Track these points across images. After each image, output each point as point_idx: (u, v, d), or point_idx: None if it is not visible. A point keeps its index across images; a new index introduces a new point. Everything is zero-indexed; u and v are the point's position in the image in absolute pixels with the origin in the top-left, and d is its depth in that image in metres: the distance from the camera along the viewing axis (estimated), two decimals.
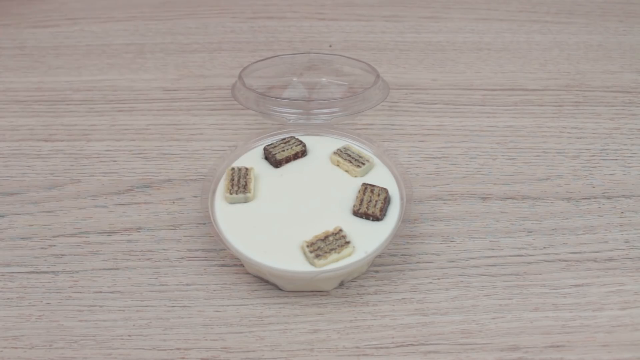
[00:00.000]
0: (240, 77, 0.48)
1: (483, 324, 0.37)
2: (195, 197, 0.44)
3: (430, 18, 0.62)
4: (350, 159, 0.43)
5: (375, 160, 0.43)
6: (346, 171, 0.42)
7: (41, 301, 0.38)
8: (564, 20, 0.62)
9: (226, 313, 0.38)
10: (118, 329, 0.37)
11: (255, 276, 0.39)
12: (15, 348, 0.36)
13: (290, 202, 0.40)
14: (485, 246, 0.42)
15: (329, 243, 0.37)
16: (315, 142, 0.44)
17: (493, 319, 0.37)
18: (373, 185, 0.41)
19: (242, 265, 0.40)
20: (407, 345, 0.36)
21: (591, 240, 0.42)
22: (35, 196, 0.45)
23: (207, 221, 0.39)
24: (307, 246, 0.37)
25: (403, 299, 0.39)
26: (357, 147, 0.44)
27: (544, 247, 0.41)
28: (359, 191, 0.40)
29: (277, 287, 0.39)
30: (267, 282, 0.39)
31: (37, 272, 0.40)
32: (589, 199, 0.45)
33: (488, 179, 0.46)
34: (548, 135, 0.50)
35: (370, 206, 0.39)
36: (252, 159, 0.43)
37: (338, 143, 0.44)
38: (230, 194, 0.40)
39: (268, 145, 0.44)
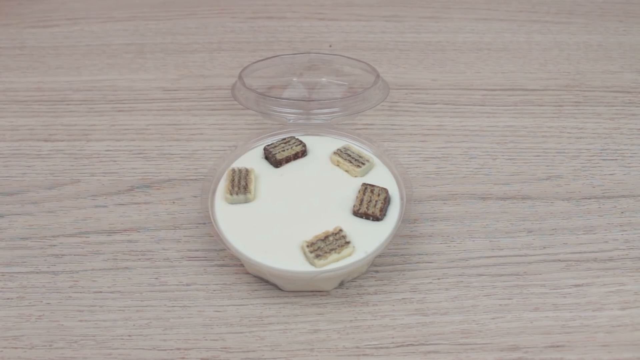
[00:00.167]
0: (240, 77, 0.48)
1: (483, 324, 0.37)
2: (195, 197, 0.44)
3: (430, 18, 0.62)
4: (350, 159, 0.43)
5: (375, 160, 0.43)
6: (346, 171, 0.42)
7: (41, 301, 0.38)
8: (563, 20, 0.62)
9: (226, 313, 0.38)
10: (118, 329, 0.37)
11: (255, 276, 0.39)
12: (15, 348, 0.36)
13: (290, 202, 0.40)
14: (485, 246, 0.42)
15: (329, 243, 0.37)
16: (315, 142, 0.44)
17: (493, 319, 0.37)
18: (373, 185, 0.41)
19: (242, 265, 0.40)
20: (407, 345, 0.36)
21: (591, 240, 0.42)
22: (35, 196, 0.45)
23: (207, 221, 0.39)
24: (307, 246, 0.37)
25: (403, 299, 0.39)
26: (357, 147, 0.44)
27: (544, 247, 0.41)
28: (359, 191, 0.40)
29: (277, 287, 0.39)
30: (267, 282, 0.39)
31: (37, 272, 0.40)
32: (589, 199, 0.45)
33: (488, 179, 0.46)
34: (548, 135, 0.50)
35: (370, 206, 0.39)
36: (252, 159, 0.43)
37: (338, 143, 0.44)
38: (231, 194, 0.40)
39: (268, 145, 0.44)
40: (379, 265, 0.40)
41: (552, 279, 0.40)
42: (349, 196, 0.41)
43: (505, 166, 0.47)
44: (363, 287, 0.39)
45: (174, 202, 0.44)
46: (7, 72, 0.56)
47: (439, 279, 0.40)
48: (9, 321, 0.37)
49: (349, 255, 0.37)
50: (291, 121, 0.46)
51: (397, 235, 0.39)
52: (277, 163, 0.43)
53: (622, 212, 0.44)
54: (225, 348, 0.36)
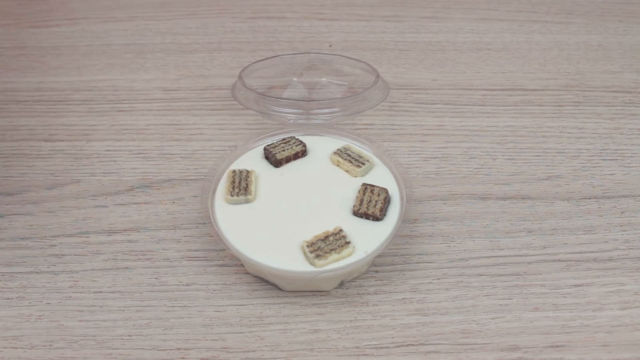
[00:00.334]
0: (240, 77, 0.48)
1: (483, 324, 0.37)
2: (195, 197, 0.44)
3: (430, 18, 0.62)
4: (350, 159, 0.43)
5: (375, 160, 0.43)
6: (346, 171, 0.42)
7: (41, 301, 0.38)
8: (563, 20, 0.62)
9: (226, 313, 0.38)
10: (118, 329, 0.37)
11: (255, 276, 0.39)
12: (15, 348, 0.36)
13: (290, 202, 0.40)
14: (485, 246, 0.42)
15: (329, 243, 0.37)
16: (315, 142, 0.44)
17: (493, 319, 0.37)
18: (373, 185, 0.41)
19: (242, 265, 0.40)
20: (407, 345, 0.36)
21: (591, 240, 0.42)
22: (35, 196, 0.45)
23: (207, 221, 0.39)
24: (307, 246, 0.37)
25: (403, 299, 0.39)
26: (357, 147, 0.44)
27: (544, 247, 0.41)
28: (359, 191, 0.40)
29: (277, 287, 0.39)
30: (267, 282, 0.39)
31: (37, 272, 0.40)
32: (589, 199, 0.45)
33: (488, 179, 0.46)
34: (548, 135, 0.50)
35: (370, 206, 0.39)
36: (252, 159, 0.43)
37: (338, 143, 0.44)
38: (232, 196, 0.40)
39: (268, 145, 0.44)
40: (379, 265, 0.40)
41: (552, 279, 0.40)
42: (349, 196, 0.41)
43: (505, 166, 0.47)
44: (363, 287, 0.39)
45: (174, 202, 0.44)
46: (7, 72, 0.56)
47: (439, 279, 0.40)
48: (9, 321, 0.37)
49: (349, 255, 0.37)
50: (291, 121, 0.46)
51: (397, 235, 0.39)
52: (277, 163, 0.43)
53: (622, 212, 0.44)
54: (225, 348, 0.36)
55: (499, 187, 0.45)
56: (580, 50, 0.58)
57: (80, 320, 0.37)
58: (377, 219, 0.39)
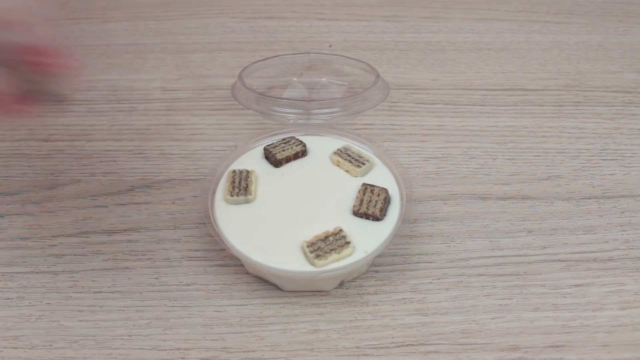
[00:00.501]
0: (240, 77, 0.48)
1: (483, 324, 0.37)
2: (195, 197, 0.44)
3: (430, 18, 0.62)
4: (350, 159, 0.43)
5: (375, 160, 0.43)
6: (346, 171, 0.42)
7: (41, 301, 0.38)
8: (563, 20, 0.62)
9: (226, 313, 0.38)
10: (118, 329, 0.37)
11: (255, 276, 0.39)
12: (15, 348, 0.36)
13: (290, 202, 0.40)
14: (485, 246, 0.42)
15: (329, 243, 0.37)
16: (315, 142, 0.44)
17: (493, 319, 0.37)
18: (373, 185, 0.41)
19: (242, 265, 0.40)
20: (407, 345, 0.36)
21: (591, 240, 0.42)
22: (35, 196, 0.45)
23: (207, 221, 0.39)
24: (307, 246, 0.37)
25: (403, 299, 0.39)
26: (357, 147, 0.44)
27: (544, 247, 0.41)
28: (359, 191, 0.40)
29: (277, 287, 0.39)
30: (267, 282, 0.39)
31: (37, 272, 0.40)
32: (589, 199, 0.45)
33: (488, 179, 0.46)
34: (548, 135, 0.50)
35: (370, 206, 0.39)
36: (252, 159, 0.43)
37: (338, 143, 0.44)
38: (232, 196, 0.40)
39: (268, 145, 0.44)
40: (379, 265, 0.40)
41: (552, 279, 0.40)
42: (349, 196, 0.41)
43: (505, 166, 0.47)
44: (363, 287, 0.39)
45: (174, 202, 0.44)
46: None
47: (439, 279, 0.40)
48: (9, 321, 0.37)
49: (349, 255, 0.37)
50: (291, 121, 0.46)
51: (397, 235, 0.39)
52: (277, 163, 0.43)
53: (622, 212, 0.44)
54: (225, 348, 0.36)
55: (499, 187, 0.45)
56: (580, 50, 0.58)
57: (80, 320, 0.37)
58: (377, 219, 0.39)
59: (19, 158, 0.48)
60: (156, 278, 0.40)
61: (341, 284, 0.39)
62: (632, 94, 0.54)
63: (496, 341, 0.36)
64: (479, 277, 0.40)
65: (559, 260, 0.41)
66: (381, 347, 0.36)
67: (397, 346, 0.36)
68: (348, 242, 0.37)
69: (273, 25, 0.61)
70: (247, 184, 0.41)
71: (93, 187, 0.45)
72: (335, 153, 0.43)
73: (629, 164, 0.47)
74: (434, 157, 0.48)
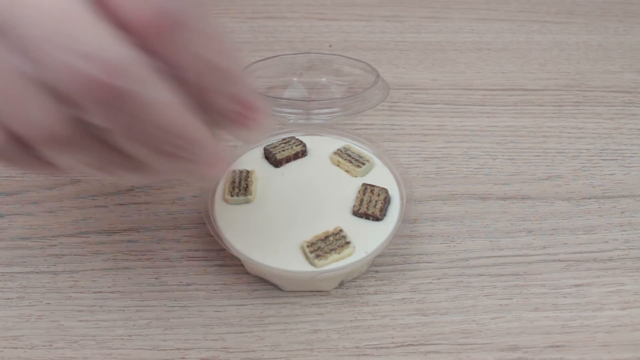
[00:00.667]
0: None
1: (483, 324, 0.37)
2: (195, 197, 0.44)
3: (430, 18, 0.62)
4: (350, 159, 0.43)
5: (375, 160, 0.43)
6: (346, 171, 0.42)
7: (41, 301, 0.38)
8: (563, 20, 0.62)
9: (226, 313, 0.38)
10: (118, 329, 0.37)
11: (255, 276, 0.39)
12: (15, 348, 0.36)
13: (290, 202, 0.40)
14: (485, 246, 0.42)
15: (329, 243, 0.37)
16: (315, 142, 0.44)
17: (493, 319, 0.37)
18: (373, 185, 0.41)
19: (242, 265, 0.40)
20: (407, 345, 0.36)
21: (591, 240, 0.42)
22: (35, 196, 0.45)
23: (207, 221, 0.39)
24: (307, 246, 0.37)
25: (403, 299, 0.39)
26: (357, 147, 0.44)
27: (544, 247, 0.41)
28: (359, 191, 0.40)
29: (277, 287, 0.39)
30: (267, 282, 0.39)
31: (37, 272, 0.40)
32: (589, 199, 0.45)
33: (488, 179, 0.46)
34: (548, 135, 0.50)
35: (370, 206, 0.39)
36: (252, 159, 0.43)
37: (338, 143, 0.44)
38: (232, 196, 0.40)
39: (268, 145, 0.44)
40: (379, 265, 0.40)
41: (552, 279, 0.40)
42: (349, 196, 0.41)
43: (505, 166, 0.47)
44: (363, 287, 0.39)
45: (174, 202, 0.44)
46: None
47: (439, 279, 0.40)
48: (9, 321, 0.37)
49: (349, 255, 0.37)
50: (291, 121, 0.46)
51: (397, 235, 0.39)
52: (277, 163, 0.43)
53: (622, 212, 0.44)
54: (225, 348, 0.36)
55: (499, 187, 0.45)
56: (580, 50, 0.58)
57: (80, 320, 0.37)
58: (377, 219, 0.39)
59: None
60: (156, 278, 0.40)
61: (341, 284, 0.39)
62: (632, 94, 0.54)
63: (496, 341, 0.36)
64: (479, 277, 0.40)
65: (559, 260, 0.41)
66: (381, 347, 0.36)
67: (397, 346, 0.36)
68: (348, 242, 0.37)
69: (273, 25, 0.61)
70: (247, 184, 0.41)
71: (93, 187, 0.45)
72: (335, 153, 0.43)
73: (629, 164, 0.47)
74: (434, 157, 0.48)
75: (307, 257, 0.37)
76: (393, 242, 0.40)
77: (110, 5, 0.23)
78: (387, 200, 0.40)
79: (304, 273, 0.37)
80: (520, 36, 0.60)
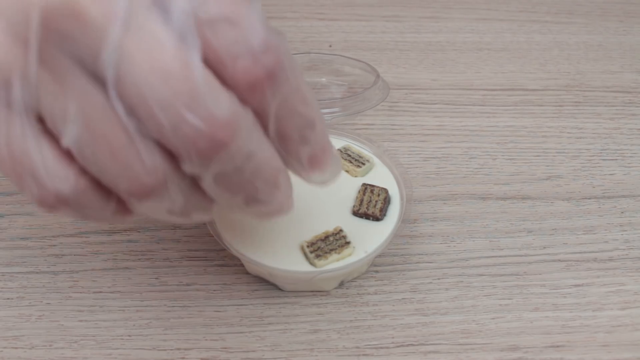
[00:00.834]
0: None
1: (483, 324, 0.37)
2: None
3: (430, 18, 0.62)
4: (350, 159, 0.43)
5: (375, 160, 0.43)
6: (346, 171, 0.42)
7: (41, 301, 0.38)
8: (564, 20, 0.62)
9: (226, 313, 0.38)
10: (118, 329, 0.37)
11: (255, 276, 0.39)
12: (15, 348, 0.36)
13: None
14: (485, 246, 0.42)
15: (329, 243, 0.37)
16: None
17: (493, 319, 0.37)
18: (373, 186, 0.41)
19: (242, 265, 0.40)
20: (407, 345, 0.36)
21: (591, 240, 0.42)
22: None
23: (207, 221, 0.39)
24: (307, 246, 0.37)
25: (403, 299, 0.39)
26: (357, 147, 0.44)
27: (544, 247, 0.41)
28: (359, 191, 0.40)
29: (277, 287, 0.39)
30: (267, 282, 0.39)
31: (37, 272, 0.40)
32: (589, 199, 0.45)
33: (488, 179, 0.46)
34: (548, 135, 0.50)
35: (370, 206, 0.39)
36: None
37: (338, 143, 0.44)
38: None
39: None
40: (379, 265, 0.40)
41: (552, 279, 0.40)
42: (349, 196, 0.41)
43: (505, 166, 0.47)
44: (363, 287, 0.39)
45: None
46: None
47: (439, 279, 0.40)
48: (9, 321, 0.37)
49: (349, 255, 0.37)
50: None
51: (397, 235, 0.39)
52: None
53: (622, 212, 0.44)
54: (225, 348, 0.36)
55: (499, 187, 0.45)
56: (580, 50, 0.58)
57: (80, 320, 0.37)
58: (377, 219, 0.39)
59: None
60: (156, 278, 0.40)
61: (341, 284, 0.39)
62: (632, 94, 0.54)
63: (496, 341, 0.36)
64: (479, 277, 0.40)
65: (559, 260, 0.41)
66: (381, 347, 0.36)
67: (397, 346, 0.36)
68: (348, 242, 0.37)
69: (273, 25, 0.61)
70: None
71: None
72: None
73: (629, 164, 0.47)
74: (434, 157, 0.48)
75: (307, 257, 0.37)
76: (393, 242, 0.40)
77: (218, 64, 0.24)
78: (387, 200, 0.40)
79: (304, 273, 0.37)
80: (520, 36, 0.60)
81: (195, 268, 0.40)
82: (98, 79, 0.24)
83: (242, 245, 0.38)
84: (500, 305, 0.38)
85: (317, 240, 0.37)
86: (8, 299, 0.38)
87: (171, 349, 0.36)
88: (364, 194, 0.40)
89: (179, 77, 0.23)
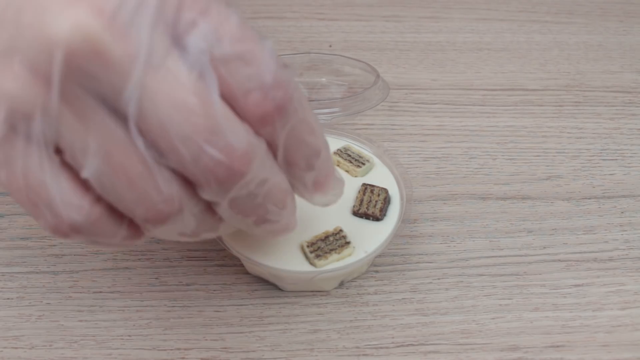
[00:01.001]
0: None
1: (483, 324, 0.37)
2: None
3: (430, 18, 0.62)
4: (350, 159, 0.43)
5: (375, 160, 0.43)
6: (346, 171, 0.42)
7: (41, 301, 0.38)
8: (564, 20, 0.62)
9: (226, 313, 0.38)
10: (118, 329, 0.37)
11: (255, 276, 0.39)
12: (16, 348, 0.36)
13: None
14: (485, 246, 0.42)
15: (329, 243, 0.37)
16: None
17: (493, 319, 0.37)
18: (373, 186, 0.41)
19: (242, 265, 0.40)
20: (407, 345, 0.36)
21: (591, 240, 0.42)
22: None
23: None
24: (307, 246, 0.37)
25: (403, 299, 0.39)
26: (357, 147, 0.44)
27: (544, 247, 0.41)
28: (359, 191, 0.40)
29: (277, 287, 0.39)
30: (267, 282, 0.39)
31: (37, 272, 0.40)
32: (589, 199, 0.45)
33: (488, 179, 0.46)
34: (548, 135, 0.50)
35: (370, 206, 0.39)
36: None
37: (338, 143, 0.44)
38: None
39: None
40: (379, 265, 0.40)
41: (552, 279, 0.40)
42: (349, 196, 0.40)
43: (505, 166, 0.47)
44: (363, 287, 0.39)
45: None
46: None
47: (439, 279, 0.40)
48: (9, 321, 0.37)
49: (349, 255, 0.37)
50: None
51: (397, 235, 0.39)
52: None
53: (622, 212, 0.44)
54: (225, 348, 0.36)
55: (499, 187, 0.45)
56: (580, 50, 0.58)
57: (80, 320, 0.37)
58: (377, 219, 0.39)
59: None
60: (156, 278, 0.40)
61: (341, 284, 0.39)
62: (632, 94, 0.54)
63: (496, 341, 0.36)
64: (479, 277, 0.40)
65: (559, 260, 0.41)
66: (381, 347, 0.36)
67: (397, 346, 0.36)
68: (348, 242, 0.37)
69: (273, 25, 0.61)
70: None
71: None
72: (335, 153, 0.43)
73: (629, 164, 0.47)
74: (434, 157, 0.48)
75: (307, 257, 0.37)
76: (393, 242, 0.40)
77: (232, 98, 0.26)
78: (387, 200, 0.40)
79: (304, 273, 0.37)
80: (520, 36, 0.60)
81: (195, 268, 0.40)
82: (118, 113, 0.25)
83: (242, 245, 0.38)
84: (500, 305, 0.38)
85: (317, 240, 0.37)
86: (8, 299, 0.38)
87: (171, 349, 0.36)
88: (364, 194, 0.40)
89: (199, 112, 0.25)
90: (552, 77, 0.55)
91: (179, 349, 0.36)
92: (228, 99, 0.26)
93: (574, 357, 0.36)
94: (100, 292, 0.39)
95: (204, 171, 0.25)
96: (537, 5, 0.65)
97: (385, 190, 0.40)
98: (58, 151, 0.26)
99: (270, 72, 0.26)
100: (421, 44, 0.59)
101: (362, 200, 0.40)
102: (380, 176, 0.42)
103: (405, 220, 0.39)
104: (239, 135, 0.26)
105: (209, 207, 0.28)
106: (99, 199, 0.26)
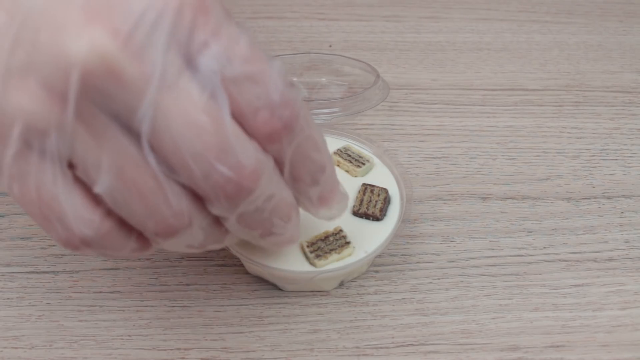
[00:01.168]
0: None
1: (483, 324, 0.37)
2: None
3: (430, 18, 0.62)
4: (350, 159, 0.43)
5: (375, 160, 0.43)
6: (346, 171, 0.42)
7: (41, 301, 0.38)
8: (563, 20, 0.62)
9: (226, 313, 0.38)
10: (118, 329, 0.37)
11: (255, 276, 0.39)
12: (16, 348, 0.36)
13: None
14: (485, 246, 0.42)
15: (329, 243, 0.37)
16: None
17: (493, 319, 0.37)
18: (373, 186, 0.41)
19: (242, 265, 0.40)
20: (407, 345, 0.36)
21: (591, 240, 0.42)
22: None
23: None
24: (307, 246, 0.37)
25: (403, 299, 0.39)
26: (357, 147, 0.44)
27: (544, 247, 0.41)
28: (359, 191, 0.40)
29: (277, 287, 0.39)
30: (267, 282, 0.39)
31: (37, 272, 0.40)
32: (589, 199, 0.45)
33: (488, 179, 0.46)
34: (548, 135, 0.50)
35: (370, 206, 0.39)
36: None
37: (338, 143, 0.44)
38: None
39: None
40: (379, 265, 0.40)
41: (552, 279, 0.40)
42: (349, 196, 0.40)
43: (505, 166, 0.47)
44: (363, 287, 0.39)
45: None
46: None
47: (439, 279, 0.40)
48: (9, 321, 0.37)
49: (349, 255, 0.37)
50: None
51: (397, 235, 0.39)
52: None
53: (622, 212, 0.44)
54: (225, 348, 0.36)
55: (499, 187, 0.45)
56: (580, 50, 0.58)
57: (80, 320, 0.37)
58: (377, 219, 0.39)
59: None
60: (156, 278, 0.40)
61: (341, 284, 0.39)
62: (632, 94, 0.54)
63: (496, 341, 0.36)
64: (479, 277, 0.40)
65: (559, 260, 0.41)
66: (381, 347, 0.36)
67: (397, 346, 0.36)
68: (348, 242, 0.37)
69: (273, 26, 0.61)
70: None
71: None
72: (335, 153, 0.43)
73: (629, 164, 0.47)
74: (434, 157, 0.48)
75: (307, 257, 0.37)
76: (393, 242, 0.40)
77: (240, 116, 0.27)
78: (387, 200, 0.40)
79: (304, 273, 0.37)
80: (520, 36, 0.60)
81: (195, 268, 0.40)
82: (130, 130, 0.26)
83: (242, 245, 0.38)
84: (500, 305, 0.38)
85: (317, 240, 0.37)
86: (8, 299, 0.38)
87: (171, 349, 0.36)
88: (364, 194, 0.40)
89: (211, 131, 0.25)
90: (552, 77, 0.55)
91: (179, 349, 0.36)
92: (237, 117, 0.27)
93: (574, 357, 0.36)
94: (100, 292, 0.39)
95: (214, 187, 0.26)
96: (537, 5, 0.65)
97: (385, 190, 0.40)
98: (70, 166, 0.26)
99: (278, 91, 0.27)
100: (421, 44, 0.59)
101: (362, 200, 0.40)
102: (380, 176, 0.42)
103: (405, 220, 0.39)
104: (248, 153, 0.26)
105: (217, 221, 0.29)
106: (109, 212, 0.27)
